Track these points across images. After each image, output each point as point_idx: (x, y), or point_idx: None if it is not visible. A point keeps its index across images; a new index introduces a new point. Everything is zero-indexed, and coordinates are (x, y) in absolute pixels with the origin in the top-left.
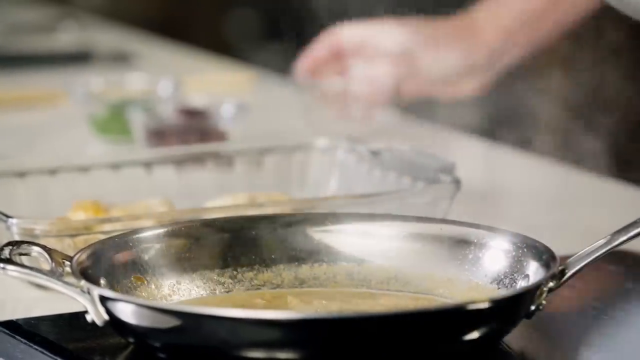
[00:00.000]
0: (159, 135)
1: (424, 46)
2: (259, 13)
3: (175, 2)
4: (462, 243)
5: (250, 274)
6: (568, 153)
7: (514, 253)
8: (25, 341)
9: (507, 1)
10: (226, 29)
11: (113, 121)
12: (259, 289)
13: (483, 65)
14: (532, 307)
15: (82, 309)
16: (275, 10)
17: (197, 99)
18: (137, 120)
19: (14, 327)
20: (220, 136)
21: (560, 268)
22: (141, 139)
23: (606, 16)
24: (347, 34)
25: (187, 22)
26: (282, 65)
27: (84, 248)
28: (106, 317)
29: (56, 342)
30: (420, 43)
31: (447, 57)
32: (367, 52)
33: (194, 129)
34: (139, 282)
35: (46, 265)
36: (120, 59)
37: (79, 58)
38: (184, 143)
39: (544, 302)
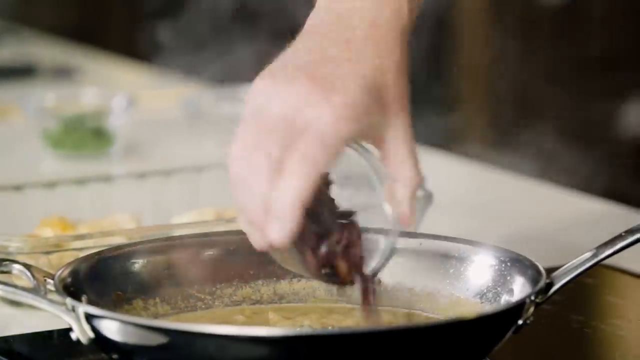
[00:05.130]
0: None
1: None
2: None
3: (89, 9)
4: (444, 257)
5: (229, 290)
6: (535, 166)
7: (497, 267)
8: None
9: None
10: (140, 36)
11: (67, 136)
12: (238, 304)
13: None
14: (520, 322)
15: (57, 327)
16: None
17: None
18: None
19: None
20: None
21: (546, 282)
22: None
23: None
24: None
25: (103, 30)
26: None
27: (65, 265)
28: (91, 334)
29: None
30: None
31: None
32: None
33: None
34: (120, 299)
35: (25, 282)
36: (64, 73)
37: (21, 72)
38: None
39: (531, 317)
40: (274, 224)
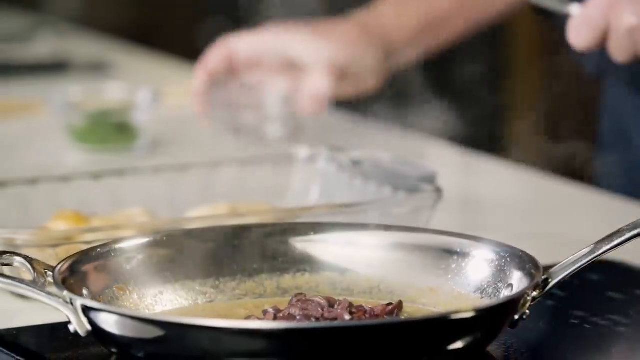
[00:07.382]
0: None
1: (343, 50)
2: (233, 21)
3: (149, 9)
4: (446, 252)
5: (233, 284)
6: (546, 161)
7: (497, 262)
8: (7, 352)
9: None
10: (200, 36)
11: (92, 130)
12: (241, 298)
13: (386, 64)
14: (516, 317)
15: (63, 320)
16: (247, 18)
17: None
18: None
19: None
20: None
21: (543, 277)
22: None
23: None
24: (242, 45)
25: (162, 29)
26: None
27: (66, 258)
28: (89, 327)
29: (39, 352)
30: (340, 48)
31: (363, 57)
32: (265, 63)
33: None
34: (121, 292)
35: (28, 275)
36: (97, 68)
37: (55, 68)
38: None
39: (527, 311)
40: None
